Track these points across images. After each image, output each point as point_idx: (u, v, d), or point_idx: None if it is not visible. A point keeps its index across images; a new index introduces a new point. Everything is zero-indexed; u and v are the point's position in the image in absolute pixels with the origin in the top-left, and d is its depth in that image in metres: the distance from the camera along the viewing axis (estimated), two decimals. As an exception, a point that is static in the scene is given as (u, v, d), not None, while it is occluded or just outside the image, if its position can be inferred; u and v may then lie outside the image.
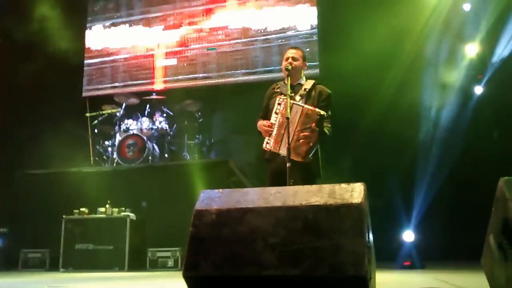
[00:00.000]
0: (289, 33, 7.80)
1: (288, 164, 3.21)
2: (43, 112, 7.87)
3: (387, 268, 5.13)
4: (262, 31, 7.92)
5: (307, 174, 3.39)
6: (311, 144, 3.36)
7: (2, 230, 6.74)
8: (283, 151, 3.36)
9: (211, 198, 2.37)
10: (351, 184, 2.23)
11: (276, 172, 3.48)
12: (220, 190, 2.42)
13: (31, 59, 8.05)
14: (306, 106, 3.38)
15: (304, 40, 7.70)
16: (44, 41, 8.07)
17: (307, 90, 3.61)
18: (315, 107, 3.42)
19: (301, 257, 2.07)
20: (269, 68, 7.79)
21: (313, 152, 3.43)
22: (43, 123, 7.89)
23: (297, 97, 3.57)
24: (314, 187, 2.30)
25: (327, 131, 3.47)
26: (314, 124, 3.32)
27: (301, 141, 3.34)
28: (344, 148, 6.12)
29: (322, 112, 3.37)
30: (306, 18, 7.76)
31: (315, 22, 7.72)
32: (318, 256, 2.06)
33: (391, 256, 5.67)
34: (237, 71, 7.94)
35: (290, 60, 3.63)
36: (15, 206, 6.93)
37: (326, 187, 2.26)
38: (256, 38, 7.94)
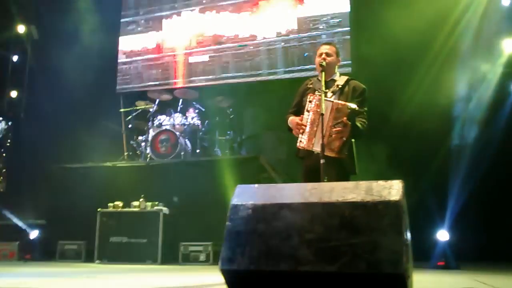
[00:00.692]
0: (321, 30, 7.75)
1: (322, 161, 3.20)
2: (79, 108, 8.07)
3: (420, 267, 5.05)
4: (294, 28, 7.90)
5: (341, 171, 3.37)
6: (344, 139, 3.33)
7: (40, 222, 6.97)
8: (317, 148, 3.34)
9: (247, 193, 2.38)
10: (389, 181, 2.20)
11: (310, 169, 3.47)
12: (256, 185, 2.43)
13: (67, 56, 8.28)
14: (336, 101, 3.38)
15: (336, 39, 7.64)
16: (79, 38, 8.30)
17: (339, 86, 3.59)
18: (354, 100, 3.41)
19: (337, 254, 2.06)
20: (294, 68, 7.78)
21: (347, 147, 3.39)
22: (79, 119, 8.11)
23: (329, 93, 3.55)
24: (350, 183, 2.28)
25: (360, 125, 3.44)
26: (345, 118, 3.29)
27: (333, 136, 3.31)
28: (376, 143, 6.05)
29: (353, 106, 3.34)
30: (338, 13, 7.70)
31: (347, 16, 7.65)
32: (355, 253, 2.05)
33: (425, 256, 5.58)
34: (266, 70, 7.97)
35: (323, 56, 3.61)
36: (53, 199, 7.13)
37: (363, 184, 2.24)
38: (289, 36, 7.92)
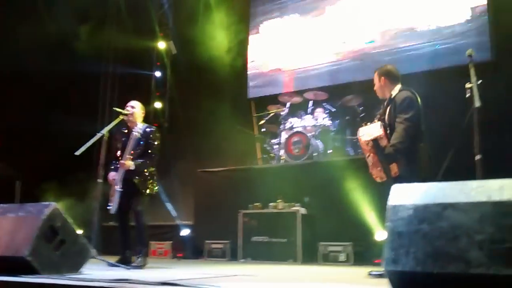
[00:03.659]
0: (457, 20, 7.28)
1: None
2: (216, 115, 8.57)
3: None
4: (424, 21, 7.54)
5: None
6: (378, 168, 3.78)
7: (188, 222, 7.56)
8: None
9: (405, 193, 2.35)
10: None
11: None
12: (414, 184, 2.39)
13: (202, 66, 8.88)
14: (361, 139, 3.93)
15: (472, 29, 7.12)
16: (211, 48, 8.83)
17: (387, 100, 4.08)
18: (396, 113, 3.82)
19: (515, 256, 1.94)
20: (434, 63, 7.37)
21: (388, 170, 3.74)
22: (215, 125, 8.64)
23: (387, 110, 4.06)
24: (522, 180, 2.13)
25: (390, 150, 3.69)
26: (370, 154, 3.81)
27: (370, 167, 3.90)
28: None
29: (369, 138, 3.80)
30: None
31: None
32: (537, 256, 1.91)
33: None
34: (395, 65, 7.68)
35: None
36: (198, 201, 7.69)
37: (538, 181, 2.08)
38: (417, 28, 7.57)
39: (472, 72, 3.30)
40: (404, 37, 7.69)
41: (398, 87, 4.04)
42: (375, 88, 4.19)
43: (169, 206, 7.84)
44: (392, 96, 3.96)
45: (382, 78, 4.11)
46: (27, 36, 7.91)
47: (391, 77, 4.09)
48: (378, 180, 3.83)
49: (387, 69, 4.17)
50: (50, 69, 8.12)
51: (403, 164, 3.66)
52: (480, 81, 3.29)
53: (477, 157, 3.04)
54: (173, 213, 7.86)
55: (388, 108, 3.96)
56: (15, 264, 3.34)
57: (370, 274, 3.77)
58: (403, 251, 2.18)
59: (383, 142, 3.71)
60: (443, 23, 7.35)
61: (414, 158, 3.71)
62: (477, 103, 3.05)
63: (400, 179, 3.44)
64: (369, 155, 3.79)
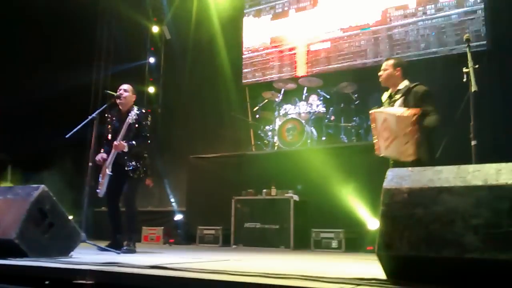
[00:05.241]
0: (451, 10, 7.21)
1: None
2: (210, 101, 8.50)
3: None
4: (421, 8, 7.46)
5: None
6: (415, 146, 3.57)
7: (180, 209, 7.52)
8: (385, 153, 3.90)
9: (400, 177, 2.31)
10: None
11: None
12: (410, 168, 2.35)
13: (198, 54, 8.78)
14: (399, 114, 3.67)
15: (468, 17, 7.06)
16: (204, 34, 8.73)
17: (400, 92, 3.99)
18: (415, 103, 3.77)
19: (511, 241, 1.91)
20: (430, 50, 7.32)
21: (423, 149, 3.64)
22: (208, 111, 8.57)
23: (398, 101, 3.98)
24: (520, 164, 2.10)
25: (429, 124, 3.66)
26: (411, 128, 3.54)
27: (406, 144, 3.61)
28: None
29: (413, 112, 3.57)
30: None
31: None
32: (533, 240, 1.88)
33: None
34: (390, 53, 7.63)
35: (380, 73, 4.19)
36: (190, 187, 7.64)
37: (535, 165, 2.05)
38: (414, 17, 7.50)
39: (469, 56, 3.26)
40: (400, 24, 7.63)
41: (407, 81, 4.04)
42: (382, 74, 4.12)
43: (166, 190, 7.82)
44: (410, 87, 3.94)
45: (399, 68, 4.07)
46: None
47: (405, 70, 4.09)
48: (409, 158, 3.61)
49: (404, 62, 4.20)
50: (43, 49, 8.00)
51: (424, 150, 3.66)
52: (477, 65, 3.25)
53: (473, 142, 3.01)
54: (169, 197, 7.83)
55: (402, 98, 3.93)
56: (3, 247, 3.28)
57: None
58: (397, 235, 2.15)
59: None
60: (439, 10, 7.30)
61: (433, 147, 3.82)
62: (474, 88, 3.01)
63: (420, 163, 3.42)
64: (411, 129, 3.55)
